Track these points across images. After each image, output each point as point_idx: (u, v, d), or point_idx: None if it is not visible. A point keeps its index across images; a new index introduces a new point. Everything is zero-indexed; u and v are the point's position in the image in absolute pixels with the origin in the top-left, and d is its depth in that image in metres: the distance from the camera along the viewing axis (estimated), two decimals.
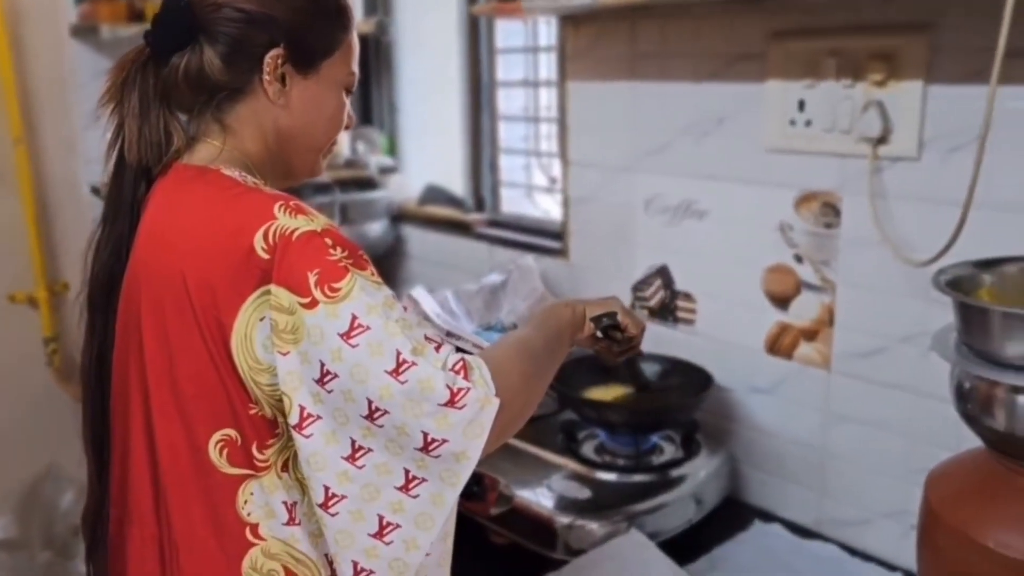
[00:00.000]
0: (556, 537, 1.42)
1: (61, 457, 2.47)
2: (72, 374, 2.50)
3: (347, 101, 1.06)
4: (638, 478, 1.54)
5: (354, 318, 0.85)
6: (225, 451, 0.92)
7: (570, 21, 1.87)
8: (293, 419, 0.87)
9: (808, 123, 1.48)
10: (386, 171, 2.56)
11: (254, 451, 0.92)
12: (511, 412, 0.91)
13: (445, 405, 0.85)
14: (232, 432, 0.92)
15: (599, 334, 1.17)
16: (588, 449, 1.63)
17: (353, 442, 0.87)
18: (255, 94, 0.99)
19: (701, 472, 1.56)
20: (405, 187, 2.57)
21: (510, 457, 1.61)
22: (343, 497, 0.87)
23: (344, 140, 2.54)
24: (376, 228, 2.49)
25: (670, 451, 1.62)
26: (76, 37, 2.22)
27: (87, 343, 1.06)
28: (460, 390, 0.86)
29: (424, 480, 0.88)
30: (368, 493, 0.88)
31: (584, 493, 1.49)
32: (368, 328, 0.85)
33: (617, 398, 1.65)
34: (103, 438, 1.05)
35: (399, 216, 2.54)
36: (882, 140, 1.38)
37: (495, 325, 1.95)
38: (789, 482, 1.62)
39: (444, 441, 0.86)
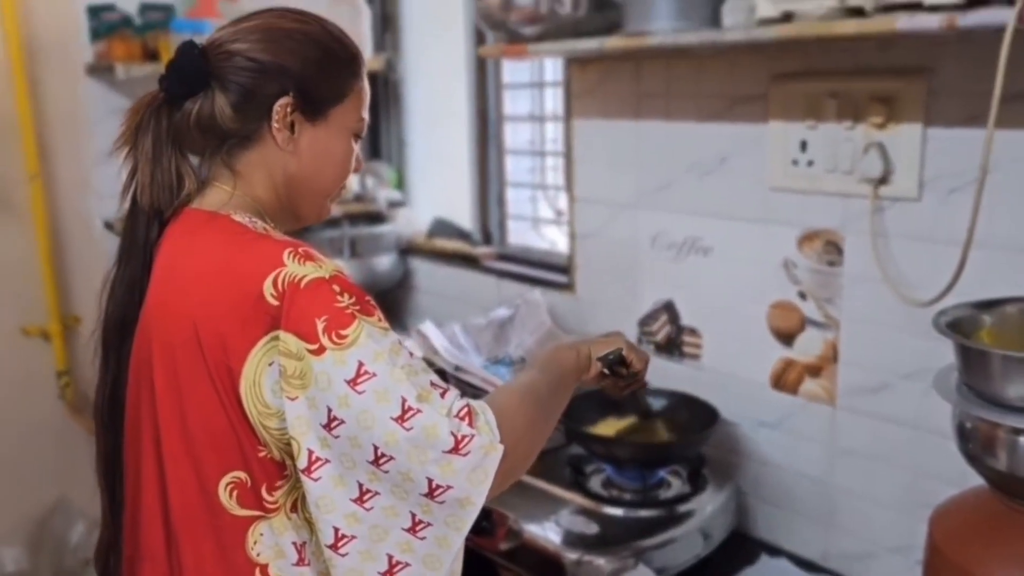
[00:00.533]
0: (564, 573, 1.44)
1: (72, 490, 2.49)
2: (84, 407, 2.52)
3: (356, 146, 1.08)
4: (645, 513, 1.55)
5: (360, 365, 0.87)
6: (235, 493, 0.93)
7: (576, 61, 1.91)
8: (302, 463, 0.89)
9: (810, 163, 1.51)
10: (394, 205, 2.60)
11: (263, 493, 0.94)
12: (515, 458, 0.93)
13: (450, 452, 0.87)
14: (242, 474, 0.93)
15: (605, 371, 1.18)
16: (595, 483, 1.65)
17: (360, 485, 0.89)
18: (264, 141, 1.01)
19: (708, 507, 1.57)
20: (413, 221, 2.60)
21: (518, 492, 1.62)
22: (352, 538, 0.89)
23: (353, 176, 2.57)
24: (385, 262, 2.52)
25: (677, 486, 1.64)
26: (91, 76, 2.26)
27: (100, 381, 1.08)
28: (464, 437, 0.88)
29: (430, 524, 0.90)
30: (377, 534, 0.89)
31: (592, 528, 1.50)
32: (374, 375, 0.87)
33: (622, 430, 1.66)
34: (116, 476, 1.07)
35: (407, 249, 2.57)
36: (883, 181, 1.40)
37: (503, 359, 1.97)
38: (796, 516, 1.64)
39: (448, 488, 0.88)
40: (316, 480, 0.89)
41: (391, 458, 0.87)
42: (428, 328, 1.95)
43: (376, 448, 0.87)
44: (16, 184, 2.45)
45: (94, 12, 2.22)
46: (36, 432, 2.52)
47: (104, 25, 2.22)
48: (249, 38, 0.99)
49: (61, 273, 2.54)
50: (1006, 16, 1.05)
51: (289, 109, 0.99)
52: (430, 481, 0.87)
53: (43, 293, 2.50)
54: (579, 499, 1.59)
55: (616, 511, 1.56)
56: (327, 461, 0.88)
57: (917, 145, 1.37)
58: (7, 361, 2.50)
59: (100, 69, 2.22)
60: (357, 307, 0.90)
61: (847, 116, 1.44)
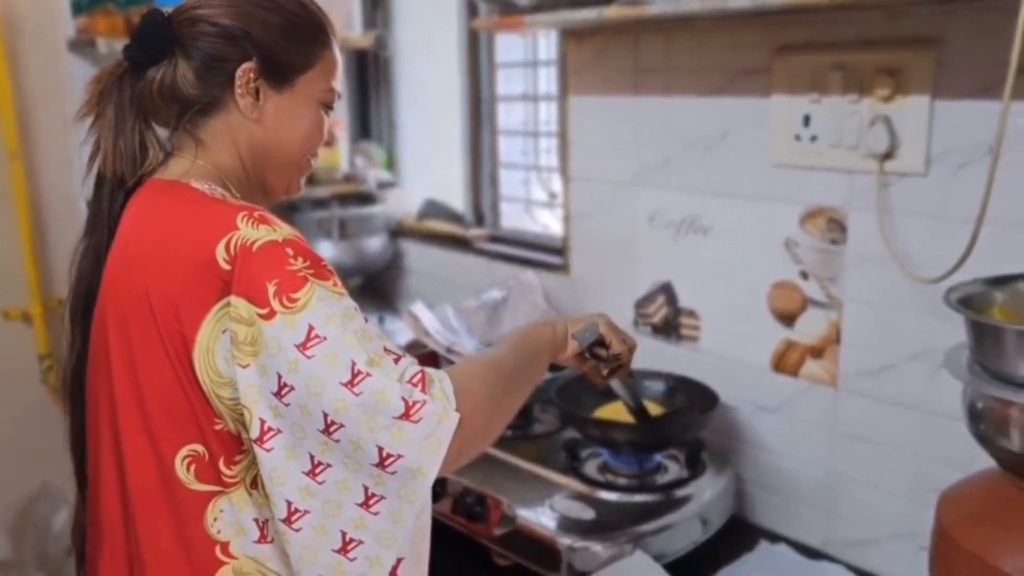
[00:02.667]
0: (560, 559, 1.40)
1: (55, 475, 2.43)
2: None
3: (326, 118, 1.06)
4: (642, 498, 1.51)
5: (311, 329, 0.84)
6: (192, 467, 0.91)
7: (572, 35, 1.86)
8: (254, 433, 0.86)
9: (813, 138, 1.46)
10: (385, 186, 2.55)
11: (222, 467, 0.91)
12: (472, 428, 0.89)
13: (400, 418, 0.84)
14: (199, 447, 0.91)
15: (586, 354, 1.14)
16: (591, 468, 1.61)
17: (312, 457, 0.86)
18: (228, 108, 0.99)
19: (707, 492, 1.54)
20: (404, 202, 2.55)
21: (511, 476, 1.59)
22: (306, 512, 0.87)
23: (343, 155, 2.52)
24: (375, 243, 2.47)
25: (675, 470, 1.60)
26: (73, 51, 2.20)
27: (68, 355, 1.06)
28: (416, 403, 0.85)
29: (383, 497, 0.87)
30: (330, 509, 0.87)
31: (588, 514, 1.46)
32: (324, 339, 0.84)
33: (621, 414, 1.62)
34: (84, 453, 1.04)
35: (398, 231, 2.52)
36: (889, 156, 1.36)
37: (496, 341, 1.93)
38: (796, 502, 1.60)
39: (399, 456, 0.85)
40: (269, 451, 0.86)
41: (341, 425, 0.84)
42: (420, 310, 1.91)
43: (326, 415, 0.84)
44: None
45: None
46: (19, 417, 2.47)
47: None
48: (212, 3, 0.98)
49: (43, 254, 2.49)
50: None
51: (253, 75, 0.98)
52: (380, 449, 0.84)
53: (24, 275, 2.45)
54: (574, 484, 1.55)
55: (612, 496, 1.52)
56: (279, 431, 0.86)
57: (925, 118, 1.32)
58: None
59: (82, 44, 2.17)
60: (311, 270, 0.87)
61: (852, 89, 1.40)
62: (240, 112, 0.99)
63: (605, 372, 1.18)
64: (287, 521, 0.87)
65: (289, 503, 0.86)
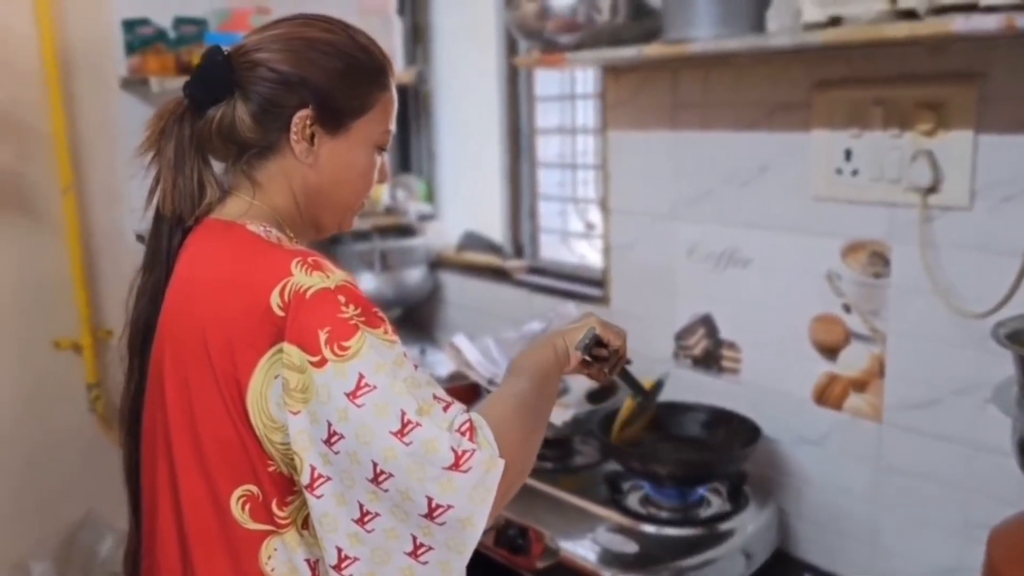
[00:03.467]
0: None
1: (101, 504, 2.48)
2: (114, 420, 2.52)
3: (379, 159, 1.05)
4: (685, 532, 1.51)
5: (361, 377, 0.85)
6: (247, 506, 0.91)
7: (612, 71, 1.89)
8: (304, 480, 0.86)
9: (855, 172, 1.47)
10: (425, 218, 2.58)
11: (274, 508, 0.91)
12: (515, 471, 0.89)
13: (450, 468, 0.84)
14: (253, 488, 0.91)
15: (586, 358, 1.12)
16: (633, 501, 1.61)
17: (361, 506, 0.86)
18: (284, 152, 0.99)
19: (750, 526, 1.53)
20: (443, 234, 2.59)
21: (553, 508, 1.59)
22: (355, 559, 0.87)
23: (383, 187, 2.56)
24: (415, 275, 2.50)
25: (717, 504, 1.59)
26: (125, 89, 2.26)
27: (125, 389, 1.07)
28: (465, 452, 0.85)
29: (431, 548, 0.86)
30: (379, 556, 0.87)
31: (630, 547, 1.46)
32: (375, 388, 0.85)
33: (632, 411, 1.61)
34: (139, 483, 1.05)
35: (437, 263, 2.55)
36: (932, 189, 1.37)
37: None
38: (841, 536, 1.59)
39: (448, 507, 0.84)
40: (319, 498, 0.86)
41: (390, 475, 0.84)
42: (461, 341, 1.93)
43: (375, 464, 0.84)
44: (49, 196, 2.46)
45: (129, 26, 2.23)
46: (66, 445, 2.52)
47: (139, 39, 2.23)
48: (272, 47, 0.97)
49: (93, 286, 2.54)
50: None
51: (308, 122, 0.97)
52: (430, 500, 0.84)
53: (75, 306, 2.51)
54: (616, 516, 1.55)
55: (654, 529, 1.52)
56: (329, 479, 0.86)
57: (968, 152, 1.33)
58: (39, 374, 2.51)
59: (134, 83, 2.23)
60: (362, 318, 0.88)
61: (893, 124, 1.40)
62: (295, 157, 0.99)
63: (607, 369, 1.17)
64: (337, 568, 0.87)
65: (339, 549, 0.86)
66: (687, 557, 1.44)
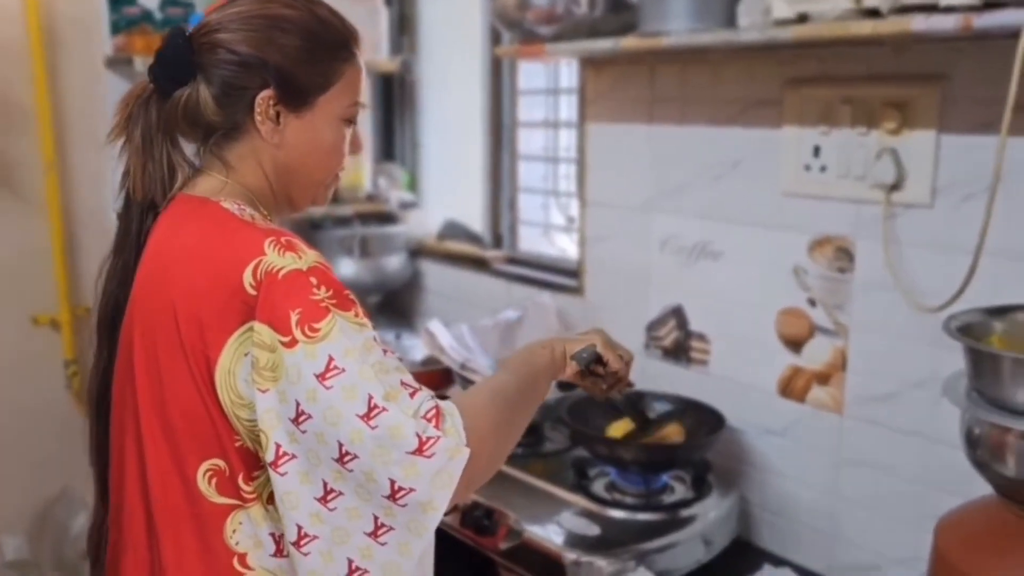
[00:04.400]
0: (564, 573, 1.42)
1: (76, 480, 2.48)
2: None
3: (348, 132, 1.04)
4: (648, 517, 1.54)
5: (330, 359, 0.86)
6: (214, 481, 0.93)
7: (591, 64, 1.91)
8: (269, 457, 0.88)
9: (823, 168, 1.50)
10: (406, 206, 2.60)
11: (240, 482, 0.93)
12: (481, 462, 0.91)
13: (413, 453, 0.85)
14: (220, 462, 0.93)
15: (584, 370, 1.15)
16: (599, 486, 1.64)
17: (325, 484, 0.87)
18: (250, 133, 1.00)
19: (711, 513, 1.56)
20: (424, 222, 2.61)
21: (521, 492, 1.62)
22: (315, 537, 0.88)
23: (366, 175, 2.58)
24: (395, 262, 2.52)
25: (681, 491, 1.62)
26: (110, 68, 2.27)
27: (94, 367, 1.08)
28: (429, 439, 0.86)
29: (392, 528, 0.88)
30: (339, 536, 0.88)
31: (593, 530, 1.49)
32: (343, 371, 0.86)
33: (627, 433, 1.65)
34: (105, 461, 1.07)
35: (418, 251, 2.57)
36: (896, 187, 1.40)
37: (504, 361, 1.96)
38: (800, 526, 1.62)
39: (411, 490, 0.86)
40: (283, 475, 0.87)
41: (355, 456, 0.85)
42: (436, 327, 1.95)
43: (341, 445, 0.85)
44: (32, 173, 2.47)
45: (115, 5, 2.24)
46: (42, 421, 2.53)
47: (125, 19, 2.25)
48: (232, 27, 0.97)
49: (73, 263, 2.56)
50: (1022, 18, 1.04)
51: (272, 102, 0.98)
52: (392, 482, 0.85)
53: (54, 282, 2.52)
54: (582, 501, 1.58)
55: (618, 514, 1.55)
56: (294, 456, 0.87)
57: (931, 151, 1.36)
58: (16, 349, 2.52)
59: (119, 62, 2.24)
60: (333, 301, 0.89)
61: (861, 122, 1.43)
62: (261, 137, 0.99)
63: (604, 387, 1.19)
64: (296, 544, 0.88)
65: (299, 527, 0.87)
66: (648, 541, 1.46)
